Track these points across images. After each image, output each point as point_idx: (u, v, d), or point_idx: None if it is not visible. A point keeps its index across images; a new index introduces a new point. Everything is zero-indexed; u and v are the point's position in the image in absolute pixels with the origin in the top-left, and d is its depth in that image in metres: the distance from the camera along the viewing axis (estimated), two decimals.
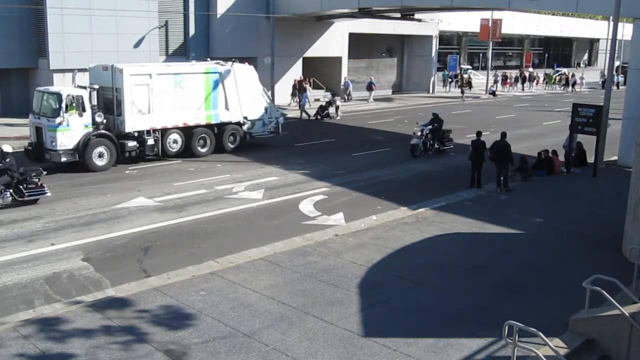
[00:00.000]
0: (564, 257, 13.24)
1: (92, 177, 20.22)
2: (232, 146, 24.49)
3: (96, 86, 21.47)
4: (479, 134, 19.56)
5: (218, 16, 36.14)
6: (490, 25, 49.20)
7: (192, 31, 36.39)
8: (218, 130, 24.08)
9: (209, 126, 23.72)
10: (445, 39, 70.43)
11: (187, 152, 23.11)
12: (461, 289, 11.38)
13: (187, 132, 23.12)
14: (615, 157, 23.23)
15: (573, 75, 60.21)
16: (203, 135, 23.54)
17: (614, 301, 9.35)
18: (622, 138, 22.65)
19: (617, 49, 27.42)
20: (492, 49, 53.86)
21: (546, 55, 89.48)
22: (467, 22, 63.38)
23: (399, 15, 42.87)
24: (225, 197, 17.97)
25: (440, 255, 13.26)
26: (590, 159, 22.22)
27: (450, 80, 54.63)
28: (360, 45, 45.65)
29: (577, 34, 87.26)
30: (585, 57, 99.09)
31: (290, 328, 9.67)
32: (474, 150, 19.24)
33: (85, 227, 14.92)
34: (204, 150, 23.61)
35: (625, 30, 49.86)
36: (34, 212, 15.99)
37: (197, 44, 36.66)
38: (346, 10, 37.64)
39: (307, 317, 10.07)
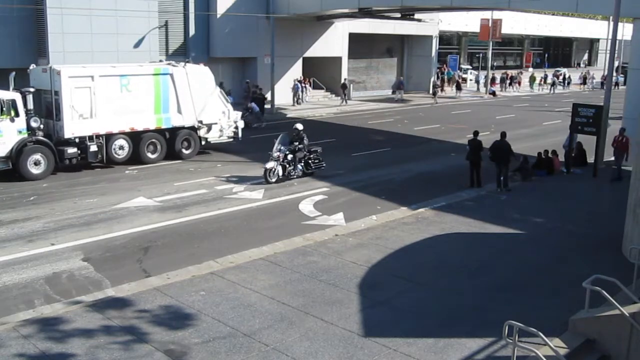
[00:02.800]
0: (564, 257, 13.24)
1: (92, 177, 20.24)
2: (186, 152, 23.27)
3: (32, 89, 20.14)
4: (475, 133, 19.57)
5: (218, 16, 36.14)
6: (490, 25, 49.17)
7: (192, 31, 36.41)
8: (170, 135, 22.84)
9: (159, 131, 22.48)
10: (445, 39, 70.39)
11: (135, 158, 21.91)
12: (461, 289, 11.38)
13: (135, 137, 21.86)
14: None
15: (552, 75, 59.42)
16: (153, 140, 22.31)
17: (614, 301, 9.35)
18: None
19: (617, 49, 27.39)
20: (492, 49, 53.81)
21: (546, 55, 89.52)
22: (467, 22, 63.32)
23: (399, 15, 42.87)
24: (225, 197, 17.97)
25: (440, 255, 13.26)
26: (590, 159, 22.22)
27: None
28: (360, 45, 45.65)
29: (577, 34, 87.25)
30: (585, 57, 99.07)
31: (290, 328, 9.67)
32: (471, 149, 19.25)
33: (85, 227, 14.92)
34: (153, 156, 22.37)
35: (625, 30, 49.90)
36: (34, 212, 16.00)
37: (197, 44, 36.68)
38: (346, 10, 37.64)
39: (307, 317, 10.07)
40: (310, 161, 20.39)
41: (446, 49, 68.50)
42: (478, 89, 54.67)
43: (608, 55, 24.36)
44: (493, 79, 54.27)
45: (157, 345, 9.06)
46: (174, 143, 22.96)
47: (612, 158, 22.90)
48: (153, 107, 22.35)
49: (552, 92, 55.20)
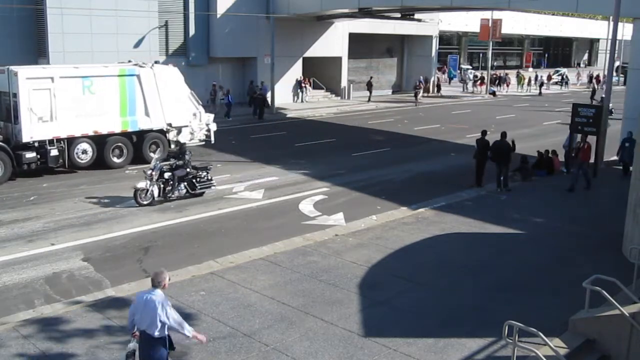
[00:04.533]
0: (564, 257, 13.24)
1: (92, 177, 20.22)
2: (155, 156, 21.03)
3: None
4: (484, 132, 19.52)
5: (218, 16, 36.15)
6: (490, 25, 49.18)
7: (192, 31, 36.42)
8: (137, 138, 22.00)
9: (125, 134, 21.60)
10: (445, 39, 70.44)
11: (100, 162, 21.03)
12: (461, 289, 11.38)
13: (100, 141, 20.95)
14: (616, 157, 23.20)
15: (541, 76, 57.63)
16: (118, 144, 21.43)
17: (614, 301, 9.35)
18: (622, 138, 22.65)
19: (617, 49, 27.39)
20: (492, 49, 53.78)
21: (546, 55, 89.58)
22: (467, 22, 63.36)
23: (399, 15, 42.86)
24: (225, 197, 17.97)
25: (440, 255, 13.25)
26: (590, 159, 22.18)
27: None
28: (360, 45, 45.64)
29: (577, 34, 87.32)
30: (585, 57, 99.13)
31: (290, 328, 9.67)
32: (479, 148, 19.25)
33: (85, 227, 14.92)
34: (119, 160, 21.46)
35: (625, 30, 49.90)
36: (34, 212, 16.01)
37: (197, 44, 36.71)
38: (346, 10, 37.65)
39: (307, 317, 10.07)
40: (195, 180, 17.58)
41: (446, 49, 68.56)
42: (465, 88, 53.60)
43: (608, 55, 24.36)
44: (482, 79, 53.32)
45: None
46: (142, 147, 22.11)
47: (614, 158, 22.94)
48: (118, 109, 21.49)
49: (539, 93, 53.11)
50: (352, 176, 20.82)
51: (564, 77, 62.12)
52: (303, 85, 41.70)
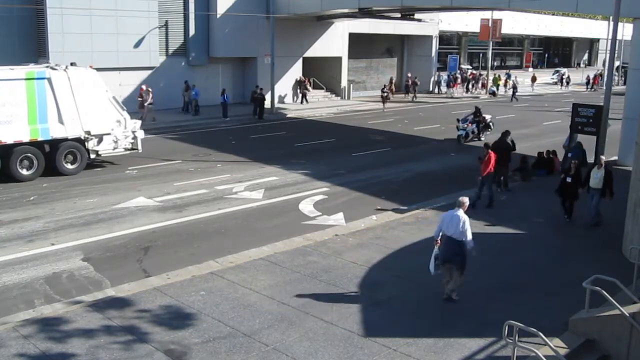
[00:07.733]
0: (564, 257, 13.24)
1: (92, 177, 20.22)
2: (71, 167, 20.36)
3: None
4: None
5: (218, 16, 36.17)
6: (490, 25, 49.19)
7: (192, 31, 36.44)
8: (51, 148, 20.02)
9: (35, 144, 19.57)
10: (445, 39, 70.45)
11: (6, 175, 19.07)
12: (461, 289, 11.37)
13: (5, 151, 19.00)
14: (615, 157, 23.22)
15: (509, 77, 54.19)
16: (27, 154, 19.38)
17: (614, 301, 9.36)
18: (622, 138, 22.67)
19: (617, 49, 27.38)
20: (492, 49, 53.75)
21: (546, 55, 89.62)
22: (467, 22, 63.38)
23: (399, 15, 42.90)
24: (225, 197, 17.97)
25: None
26: (590, 159, 22.18)
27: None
28: (360, 45, 45.67)
29: (577, 34, 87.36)
30: (585, 57, 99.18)
31: (290, 328, 9.67)
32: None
33: (85, 227, 14.92)
34: (28, 172, 19.40)
35: (625, 30, 49.91)
36: (34, 212, 16.00)
37: (197, 44, 36.72)
38: (346, 10, 37.66)
39: (307, 317, 10.08)
40: None
41: (446, 49, 68.55)
42: (439, 90, 50.67)
43: (608, 55, 24.36)
44: (455, 79, 51.45)
45: (157, 345, 9.07)
46: (56, 157, 20.08)
47: (614, 158, 22.94)
48: (26, 116, 19.46)
49: (512, 99, 47.18)
50: (352, 176, 20.82)
51: (563, 77, 62.00)
52: (303, 85, 41.68)
